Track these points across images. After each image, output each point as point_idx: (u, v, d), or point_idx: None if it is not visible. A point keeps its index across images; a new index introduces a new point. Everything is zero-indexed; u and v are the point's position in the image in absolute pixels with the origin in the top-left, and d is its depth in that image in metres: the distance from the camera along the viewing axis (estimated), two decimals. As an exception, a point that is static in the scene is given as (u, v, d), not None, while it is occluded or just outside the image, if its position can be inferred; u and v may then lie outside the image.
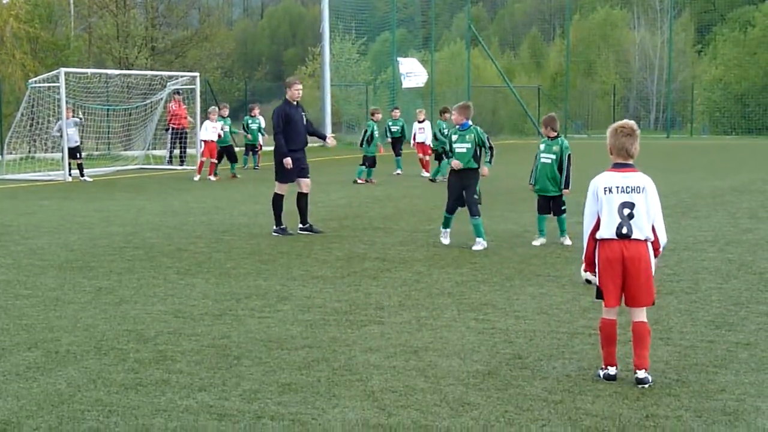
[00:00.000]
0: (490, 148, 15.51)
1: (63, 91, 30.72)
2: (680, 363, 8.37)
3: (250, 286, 12.11)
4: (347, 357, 8.60)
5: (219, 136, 30.51)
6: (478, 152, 15.45)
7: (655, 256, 8.02)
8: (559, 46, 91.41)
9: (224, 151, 31.19)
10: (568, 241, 15.63)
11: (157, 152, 39.10)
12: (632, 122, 8.25)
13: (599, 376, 7.97)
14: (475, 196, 15.54)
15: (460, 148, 15.38)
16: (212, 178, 29.83)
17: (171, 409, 7.16)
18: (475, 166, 15.50)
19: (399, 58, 56.43)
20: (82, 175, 30.70)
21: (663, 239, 8.05)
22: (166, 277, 12.80)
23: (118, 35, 58.27)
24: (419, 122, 31.74)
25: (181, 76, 38.37)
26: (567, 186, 15.79)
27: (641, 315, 7.92)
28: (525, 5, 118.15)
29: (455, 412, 7.08)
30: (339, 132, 55.84)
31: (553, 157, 15.80)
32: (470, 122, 15.49)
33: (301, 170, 17.03)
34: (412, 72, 54.26)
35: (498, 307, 10.74)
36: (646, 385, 7.67)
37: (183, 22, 66.26)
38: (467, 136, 15.38)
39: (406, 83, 54.15)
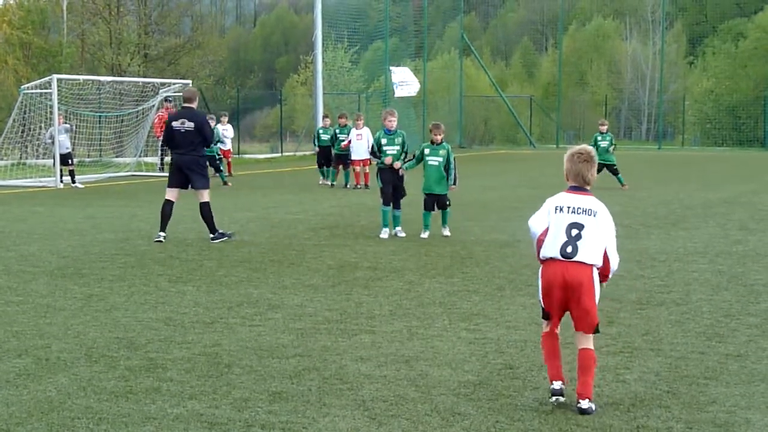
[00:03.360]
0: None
1: (55, 97, 30.74)
2: (671, 374, 8.37)
3: (241, 294, 12.10)
4: (338, 366, 8.59)
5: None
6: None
7: (603, 281, 7.76)
8: (552, 56, 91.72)
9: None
10: (447, 233, 17.92)
11: (149, 159, 39.08)
12: (590, 148, 7.89)
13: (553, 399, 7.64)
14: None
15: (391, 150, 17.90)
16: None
17: (161, 417, 7.15)
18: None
19: (391, 67, 56.44)
20: (74, 182, 30.69)
21: (614, 265, 7.75)
22: (157, 284, 12.79)
23: (111, 42, 58.34)
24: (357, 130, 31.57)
25: (174, 83, 38.39)
26: (454, 183, 17.77)
27: (586, 342, 7.62)
28: (518, 15, 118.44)
29: (446, 422, 7.08)
30: (333, 141, 55.81)
31: (440, 159, 17.59)
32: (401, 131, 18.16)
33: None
34: (405, 81, 54.27)
35: (489, 317, 10.74)
36: (589, 414, 7.29)
37: (176, 29, 66.35)
38: (396, 139, 17.97)
39: (399, 92, 54.15)
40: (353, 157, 29.74)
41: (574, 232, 7.57)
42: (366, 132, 29.84)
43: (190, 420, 7.08)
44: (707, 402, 7.61)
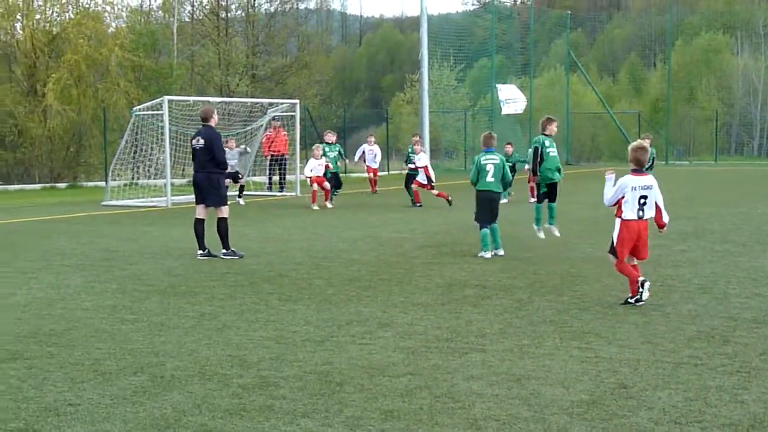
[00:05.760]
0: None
1: (166, 118, 31.22)
2: (790, 394, 8.19)
3: (351, 312, 12.14)
4: (449, 384, 8.57)
5: (327, 167, 30.80)
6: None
7: (662, 226, 12.83)
8: (660, 71, 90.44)
9: (333, 177, 31.67)
10: (557, 232, 19.91)
11: (257, 179, 39.47)
12: (645, 142, 13.38)
13: (630, 302, 12.38)
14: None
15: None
16: (329, 204, 30.00)
17: (275, 435, 7.19)
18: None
19: (498, 85, 56.34)
20: (240, 196, 32.40)
21: (666, 217, 12.72)
22: (267, 302, 12.89)
23: (219, 63, 59.20)
24: (369, 146, 35.48)
25: (281, 103, 38.74)
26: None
27: (636, 261, 12.62)
28: (624, 31, 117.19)
29: (559, 442, 7.00)
30: (436, 159, 55.87)
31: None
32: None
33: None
34: (511, 98, 54.14)
35: (601, 336, 10.62)
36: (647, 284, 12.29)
37: (283, 49, 67.10)
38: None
39: (506, 109, 54.03)
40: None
41: (642, 201, 12.30)
42: (376, 148, 34.96)
43: (303, 438, 7.11)
44: (829, 423, 7.42)
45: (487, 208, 17.65)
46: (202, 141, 17.57)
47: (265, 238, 20.58)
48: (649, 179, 12.42)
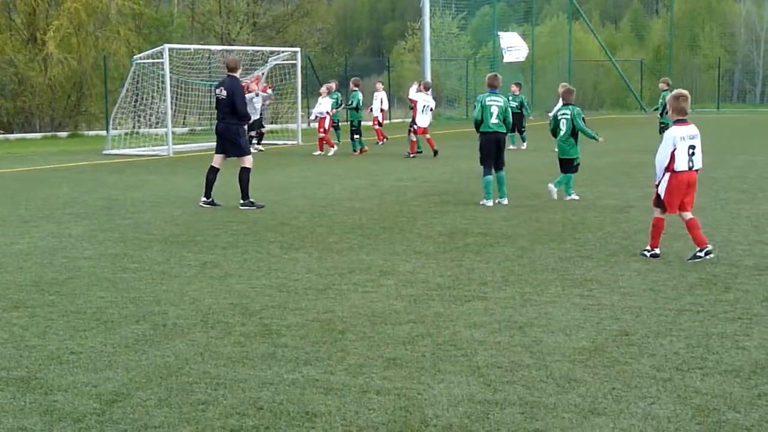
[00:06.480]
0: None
1: (167, 67, 31.12)
2: (792, 341, 8.19)
3: (353, 260, 12.14)
4: (451, 332, 8.57)
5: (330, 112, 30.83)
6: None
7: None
8: (663, 18, 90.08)
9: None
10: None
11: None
12: (686, 91, 12.12)
13: (645, 255, 12.19)
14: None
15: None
16: (325, 152, 30.08)
17: (277, 382, 7.20)
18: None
19: (500, 33, 56.08)
20: (259, 143, 32.47)
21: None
22: (269, 251, 12.89)
23: (220, 11, 58.83)
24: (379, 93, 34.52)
25: (282, 52, 38.58)
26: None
27: (690, 213, 12.05)
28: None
29: (562, 389, 7.01)
30: (439, 107, 55.73)
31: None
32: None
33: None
34: (513, 46, 53.88)
35: (603, 283, 10.63)
36: (709, 256, 11.80)
37: (284, -3, 66.59)
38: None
39: (507, 57, 53.79)
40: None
41: (690, 151, 11.80)
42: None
43: (306, 386, 7.12)
44: (831, 370, 7.43)
45: (492, 151, 17.51)
46: (224, 92, 17.44)
47: (268, 186, 20.55)
48: (693, 128, 11.87)
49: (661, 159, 11.80)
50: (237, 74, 17.68)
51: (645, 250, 12.30)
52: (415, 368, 7.52)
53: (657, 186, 12.00)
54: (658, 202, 12.03)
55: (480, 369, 7.48)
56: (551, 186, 17.88)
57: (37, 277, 11.27)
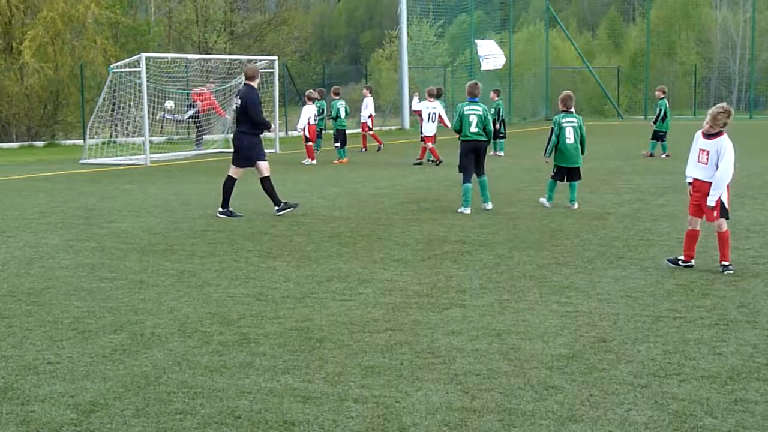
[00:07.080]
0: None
1: (144, 75, 31.02)
2: (768, 347, 8.24)
3: (331, 268, 12.14)
4: (430, 340, 8.58)
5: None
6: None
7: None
8: (639, 26, 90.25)
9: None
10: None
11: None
12: (726, 106, 11.87)
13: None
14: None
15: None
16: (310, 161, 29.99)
17: (255, 391, 7.19)
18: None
19: (477, 40, 56.15)
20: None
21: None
22: (247, 260, 12.87)
23: (197, 20, 58.80)
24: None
25: (260, 60, 38.56)
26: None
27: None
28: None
29: (539, 396, 7.03)
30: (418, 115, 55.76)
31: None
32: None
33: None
34: (491, 54, 53.95)
35: (581, 290, 10.66)
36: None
37: (261, 6, 66.75)
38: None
39: (485, 65, 53.86)
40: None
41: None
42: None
43: (284, 394, 7.12)
44: (807, 375, 7.47)
45: (472, 159, 17.50)
46: (240, 100, 17.39)
47: (244, 194, 20.51)
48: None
49: (730, 170, 11.64)
50: (255, 83, 17.54)
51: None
52: (393, 376, 7.52)
53: (710, 197, 11.69)
54: (723, 212, 11.71)
55: (458, 376, 7.49)
56: (543, 200, 18.05)
57: (14, 287, 11.22)
